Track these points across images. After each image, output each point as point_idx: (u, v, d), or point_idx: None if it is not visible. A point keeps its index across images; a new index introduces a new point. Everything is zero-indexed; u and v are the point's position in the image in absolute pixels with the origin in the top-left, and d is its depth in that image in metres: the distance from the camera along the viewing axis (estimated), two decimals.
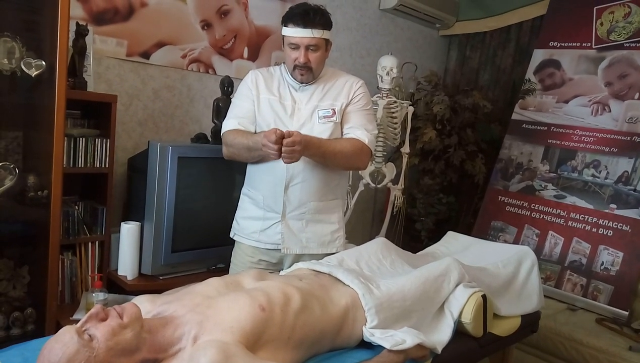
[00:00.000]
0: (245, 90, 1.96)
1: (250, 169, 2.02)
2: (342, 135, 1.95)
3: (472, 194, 3.81)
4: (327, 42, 1.89)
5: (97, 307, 1.14)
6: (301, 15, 1.80)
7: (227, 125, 1.94)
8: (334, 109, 1.91)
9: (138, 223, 2.27)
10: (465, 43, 4.19)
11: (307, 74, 1.88)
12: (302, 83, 1.92)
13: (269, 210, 1.94)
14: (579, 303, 2.94)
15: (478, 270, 1.95)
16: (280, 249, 1.94)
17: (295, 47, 1.83)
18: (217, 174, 2.38)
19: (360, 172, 3.07)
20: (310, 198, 1.92)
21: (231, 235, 2.08)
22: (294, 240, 1.95)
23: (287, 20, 1.85)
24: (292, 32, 1.82)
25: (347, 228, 3.08)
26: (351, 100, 1.95)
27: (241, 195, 2.07)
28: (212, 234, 2.32)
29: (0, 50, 1.82)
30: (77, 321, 1.18)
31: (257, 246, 1.98)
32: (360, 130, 1.93)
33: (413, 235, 3.70)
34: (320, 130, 1.89)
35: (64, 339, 1.07)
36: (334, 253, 1.92)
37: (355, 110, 1.96)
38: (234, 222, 2.08)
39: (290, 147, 1.67)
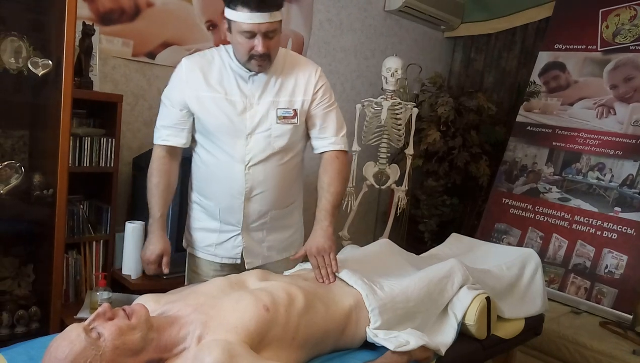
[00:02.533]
0: (177, 92, 1.68)
1: (199, 175, 1.78)
2: (306, 131, 1.76)
3: (476, 196, 3.80)
4: (281, 22, 1.58)
5: (105, 306, 1.14)
6: None
7: (155, 137, 1.75)
8: (295, 110, 1.68)
9: (142, 222, 2.28)
10: (470, 45, 4.19)
11: (266, 63, 1.59)
12: (257, 73, 1.64)
13: (226, 223, 1.76)
14: (583, 307, 2.94)
15: (482, 272, 1.94)
16: (238, 262, 1.80)
17: (251, 35, 1.51)
18: None
19: (364, 173, 3.08)
20: (271, 207, 1.75)
21: (184, 246, 1.91)
22: (256, 252, 1.80)
23: (234, 0, 1.49)
24: (246, 18, 1.48)
25: (350, 230, 3.10)
26: (314, 98, 1.71)
27: (190, 202, 1.85)
28: None
29: (8, 49, 1.82)
30: (81, 319, 1.18)
31: (214, 260, 1.81)
32: (335, 137, 1.75)
33: (417, 237, 3.70)
34: (278, 132, 1.67)
35: (71, 336, 1.07)
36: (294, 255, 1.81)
37: (323, 111, 1.73)
38: (185, 232, 1.87)
39: (329, 265, 1.61)
